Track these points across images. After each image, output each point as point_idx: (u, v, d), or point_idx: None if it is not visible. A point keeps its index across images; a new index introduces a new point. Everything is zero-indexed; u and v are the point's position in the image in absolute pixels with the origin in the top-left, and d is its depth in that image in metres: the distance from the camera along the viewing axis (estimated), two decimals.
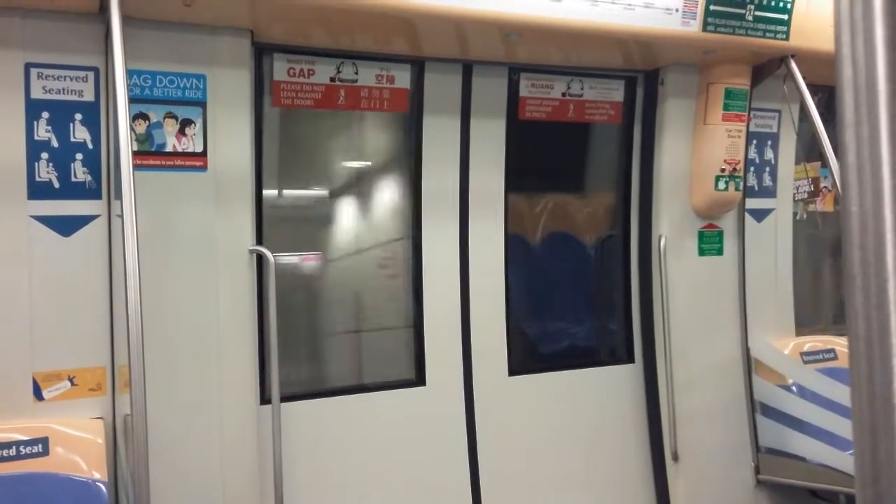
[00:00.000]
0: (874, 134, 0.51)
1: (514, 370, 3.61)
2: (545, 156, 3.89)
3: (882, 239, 0.51)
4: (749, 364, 3.88)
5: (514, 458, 3.55)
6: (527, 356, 3.79)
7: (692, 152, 3.76)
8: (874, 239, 0.51)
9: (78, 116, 2.66)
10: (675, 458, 3.71)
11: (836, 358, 4.01)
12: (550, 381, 3.69)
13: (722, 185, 3.68)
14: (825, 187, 4.40)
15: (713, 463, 3.77)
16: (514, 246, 3.68)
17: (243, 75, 2.90)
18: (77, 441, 2.60)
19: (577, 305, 4.07)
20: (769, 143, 4.03)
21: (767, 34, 3.38)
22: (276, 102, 3.16)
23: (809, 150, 4.25)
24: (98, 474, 2.54)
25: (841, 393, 3.52)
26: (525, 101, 3.62)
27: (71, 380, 2.67)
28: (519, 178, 3.66)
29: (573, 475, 3.67)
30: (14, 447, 2.51)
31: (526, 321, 3.85)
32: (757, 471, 3.85)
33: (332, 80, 3.22)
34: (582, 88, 3.74)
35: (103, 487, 2.52)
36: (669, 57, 3.60)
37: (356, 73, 3.25)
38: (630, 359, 3.89)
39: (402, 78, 3.35)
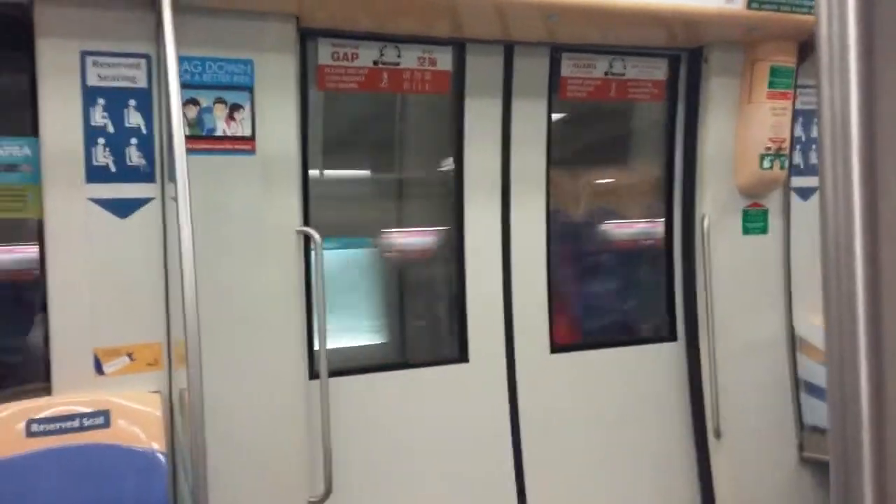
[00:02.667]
0: (845, 96, 0.53)
1: (556, 348, 3.63)
2: (589, 132, 3.88)
3: (851, 224, 0.53)
4: (793, 342, 3.84)
5: (556, 435, 3.58)
6: (569, 334, 3.81)
7: (736, 131, 3.71)
8: (845, 217, 0.53)
9: (132, 102, 2.74)
10: (718, 435, 3.70)
11: None
12: (592, 358, 3.71)
13: (767, 163, 3.64)
14: None
15: (756, 440, 3.75)
16: (557, 224, 3.68)
17: (289, 60, 2.95)
18: (137, 413, 2.70)
19: (620, 283, 4.07)
20: (816, 120, 3.96)
21: (813, 10, 3.31)
22: (320, 86, 3.21)
23: None
24: (157, 445, 2.64)
25: None
26: (567, 80, 3.61)
27: (129, 355, 2.77)
28: (562, 155, 3.66)
29: (615, 452, 3.68)
30: (77, 419, 2.62)
31: (568, 299, 3.86)
32: (801, 448, 3.82)
33: (376, 63, 3.26)
34: (624, 67, 3.71)
35: (162, 458, 2.62)
36: (713, 35, 3.55)
37: (399, 56, 3.28)
38: (673, 336, 3.87)
39: (444, 60, 3.37)
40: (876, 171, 0.53)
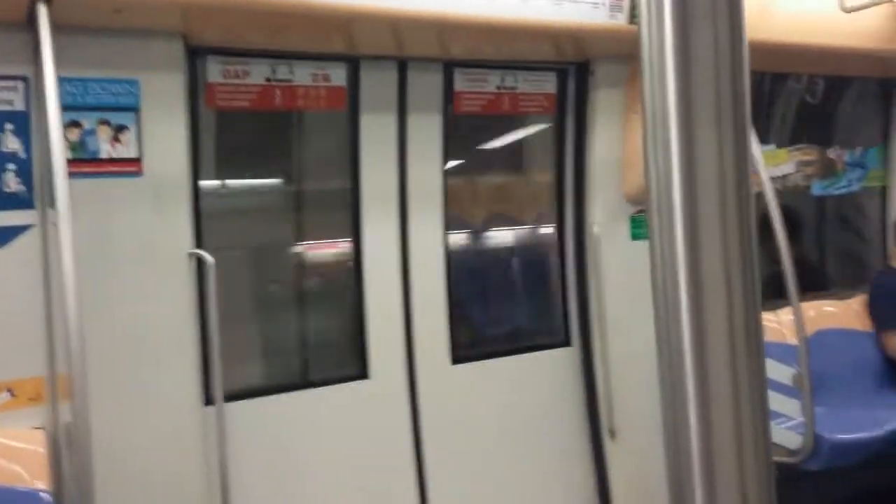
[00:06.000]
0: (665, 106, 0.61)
1: (457, 358, 3.66)
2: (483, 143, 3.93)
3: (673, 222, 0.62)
4: None
5: (459, 446, 3.62)
6: (469, 344, 3.85)
7: (623, 141, 3.83)
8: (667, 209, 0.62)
9: (9, 126, 2.59)
10: (613, 434, 3.82)
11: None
12: (492, 367, 3.76)
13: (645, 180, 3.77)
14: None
15: (649, 438, 3.89)
16: (455, 234, 3.71)
17: (177, 79, 2.86)
18: (18, 452, 2.57)
19: (519, 290, 4.14)
20: None
21: None
22: (210, 104, 3.12)
23: None
24: (41, 484, 2.52)
25: (769, 367, 3.66)
26: (460, 95, 3.64)
27: (10, 391, 2.63)
28: (457, 166, 3.69)
29: (516, 457, 3.75)
30: None
31: (468, 308, 3.90)
32: None
33: (268, 80, 3.19)
34: (516, 81, 3.77)
35: (47, 497, 2.50)
36: (598, 49, 3.65)
37: (291, 73, 3.23)
38: (567, 342, 3.97)
39: (338, 76, 3.34)
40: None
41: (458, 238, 3.78)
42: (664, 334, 0.62)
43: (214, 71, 3.09)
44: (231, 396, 3.01)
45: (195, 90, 3.05)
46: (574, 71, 3.87)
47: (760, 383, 0.61)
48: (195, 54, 3.02)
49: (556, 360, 3.92)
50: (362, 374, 3.45)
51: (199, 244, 3.01)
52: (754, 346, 0.60)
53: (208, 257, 2.91)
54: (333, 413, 3.35)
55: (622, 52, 3.66)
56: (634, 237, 3.93)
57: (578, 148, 3.89)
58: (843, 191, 4.92)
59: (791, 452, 3.37)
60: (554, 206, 4.00)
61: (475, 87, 3.66)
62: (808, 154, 4.77)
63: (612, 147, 3.83)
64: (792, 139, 4.72)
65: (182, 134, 2.89)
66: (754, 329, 0.60)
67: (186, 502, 2.86)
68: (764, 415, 0.61)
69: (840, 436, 3.41)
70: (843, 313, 4.37)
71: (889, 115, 4.96)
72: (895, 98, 4.92)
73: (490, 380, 3.74)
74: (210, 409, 2.96)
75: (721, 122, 0.59)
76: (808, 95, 4.80)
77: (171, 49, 2.83)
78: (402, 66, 3.46)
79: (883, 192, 5.02)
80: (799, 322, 3.39)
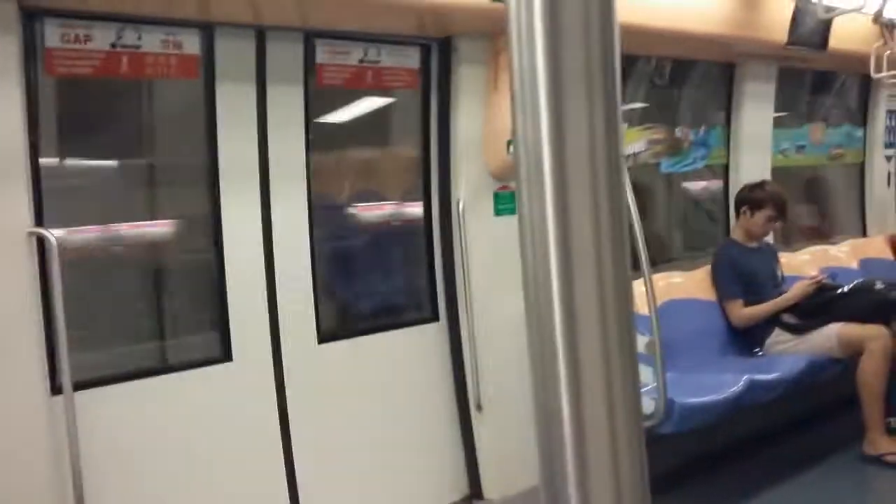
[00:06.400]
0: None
1: (323, 338, 3.59)
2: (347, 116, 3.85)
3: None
4: None
5: (328, 427, 3.56)
6: (337, 323, 3.78)
7: (484, 118, 3.86)
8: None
9: None
10: (479, 408, 3.88)
11: None
12: (360, 345, 3.72)
13: (513, 149, 3.82)
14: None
15: (514, 410, 3.98)
16: (320, 209, 3.62)
17: (10, 42, 2.62)
18: None
19: (386, 266, 4.11)
20: None
21: None
22: (49, 71, 2.88)
23: None
24: None
25: None
26: (322, 67, 3.55)
27: None
28: (321, 140, 3.60)
29: (386, 435, 3.74)
30: None
31: (335, 285, 3.83)
32: None
33: (113, 46, 2.98)
34: (379, 55, 3.71)
35: None
36: (461, 26, 3.66)
37: (139, 39, 3.03)
38: (436, 317, 3.99)
39: (191, 44, 3.17)
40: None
41: (324, 214, 3.68)
42: (534, 305, 0.60)
43: (53, 35, 2.84)
44: (81, 385, 2.82)
45: (32, 56, 2.81)
46: (437, 46, 3.86)
47: (631, 353, 0.61)
48: (31, 17, 2.78)
49: (424, 335, 3.94)
50: (225, 356, 3.31)
51: (39, 222, 2.78)
52: (625, 317, 0.60)
53: (50, 236, 2.69)
54: (194, 399, 3.20)
55: (485, 29, 3.69)
56: (498, 213, 3.98)
57: (443, 124, 3.90)
58: (689, 168, 5.21)
59: (646, 417, 3.54)
60: (420, 182, 3.99)
61: (337, 60, 3.58)
62: (658, 133, 5.00)
63: (475, 124, 3.86)
64: (642, 119, 4.93)
65: (17, 103, 2.66)
66: (624, 299, 0.60)
67: (35, 499, 2.65)
68: (635, 385, 0.61)
69: (690, 399, 3.61)
70: (689, 284, 4.63)
71: (730, 96, 5.27)
72: (735, 81, 5.24)
73: (359, 358, 3.70)
74: (58, 398, 2.76)
75: (592, 87, 0.58)
76: (657, 77, 5.03)
77: (2, 10, 2.58)
78: (261, 35, 3.33)
79: (726, 170, 5.35)
80: (650, 292, 3.55)
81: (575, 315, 0.58)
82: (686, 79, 5.23)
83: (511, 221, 4.01)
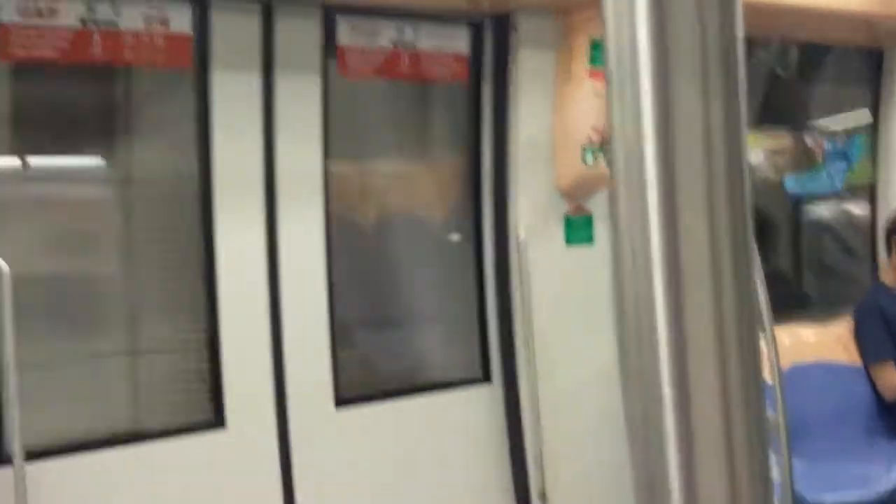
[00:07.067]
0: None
1: (341, 400, 3.61)
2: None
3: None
4: None
5: None
6: (358, 381, 3.81)
7: (554, 117, 3.90)
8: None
9: None
10: (544, 498, 3.85)
11: None
12: (389, 411, 3.74)
13: (590, 158, 3.84)
14: None
15: (592, 502, 3.94)
16: (340, 233, 3.67)
17: None
18: None
19: (421, 314, 4.13)
20: None
21: None
22: (3, 55, 3.00)
23: None
24: None
25: None
26: (345, 51, 3.62)
27: None
28: (342, 145, 3.68)
29: None
30: None
31: (356, 333, 3.87)
32: None
33: (83, 21, 3.09)
34: (417, 36, 3.78)
35: None
36: None
37: (116, 14, 3.14)
38: (487, 377, 3.99)
39: (181, 21, 3.27)
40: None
41: (345, 239, 3.74)
42: (630, 358, 0.59)
43: (8, 9, 2.96)
44: (34, 454, 2.87)
45: None
46: (491, 25, 3.92)
47: (759, 419, 0.59)
48: None
49: (471, 400, 3.93)
50: (217, 421, 3.35)
51: None
52: (751, 370, 0.58)
53: (2, 264, 2.78)
54: (176, 473, 3.24)
55: (555, 1, 3.74)
56: (570, 242, 3.99)
57: (498, 126, 3.93)
58: (823, 188, 5.13)
59: None
60: (468, 203, 4.03)
61: (364, 42, 3.66)
62: (780, 140, 4.98)
63: (541, 125, 3.89)
64: (759, 120, 4.92)
65: None
66: (750, 346, 0.58)
67: None
68: (764, 465, 0.60)
69: (826, 497, 3.55)
70: (823, 342, 4.56)
71: (878, 92, 5.21)
72: (884, 73, 5.18)
73: (386, 427, 3.71)
74: (6, 470, 2.81)
75: (707, 70, 0.57)
76: (780, 66, 5.03)
77: None
78: (268, 9, 3.42)
79: (872, 190, 5.27)
80: (773, 354, 3.50)
81: (686, 366, 0.57)
82: (818, 69, 5.21)
83: (587, 253, 4.01)
